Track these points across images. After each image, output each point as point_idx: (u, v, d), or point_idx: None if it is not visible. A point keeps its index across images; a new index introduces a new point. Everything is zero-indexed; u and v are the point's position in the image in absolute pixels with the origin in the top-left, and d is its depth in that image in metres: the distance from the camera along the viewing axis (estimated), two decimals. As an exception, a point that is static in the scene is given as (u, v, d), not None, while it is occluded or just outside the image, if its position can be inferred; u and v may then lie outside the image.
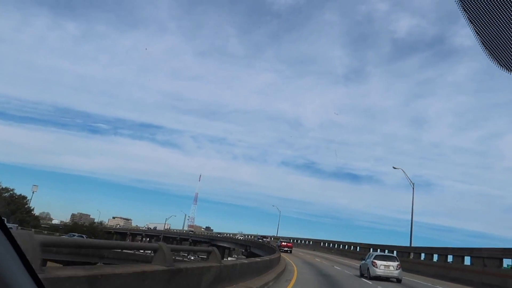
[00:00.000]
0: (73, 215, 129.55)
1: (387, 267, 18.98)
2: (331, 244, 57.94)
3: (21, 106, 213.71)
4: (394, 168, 40.38)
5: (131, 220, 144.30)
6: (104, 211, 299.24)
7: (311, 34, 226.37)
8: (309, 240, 69.74)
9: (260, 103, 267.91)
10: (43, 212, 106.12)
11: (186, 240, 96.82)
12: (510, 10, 1.04)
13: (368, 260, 20.34)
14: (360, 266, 22.27)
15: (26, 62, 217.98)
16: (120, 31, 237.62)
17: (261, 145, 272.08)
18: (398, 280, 19.07)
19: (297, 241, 69.19)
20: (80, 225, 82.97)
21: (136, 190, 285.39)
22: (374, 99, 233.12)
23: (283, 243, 47.02)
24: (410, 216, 33.54)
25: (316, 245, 63.59)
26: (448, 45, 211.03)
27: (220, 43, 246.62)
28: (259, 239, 64.11)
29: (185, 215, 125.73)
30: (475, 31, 1.10)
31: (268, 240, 62.04)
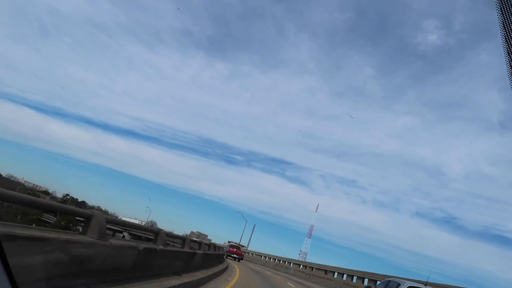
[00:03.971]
0: (192, 233, 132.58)
1: None
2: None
3: (173, 134, 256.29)
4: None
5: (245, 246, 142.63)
6: (224, 235, 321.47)
7: (461, 77, 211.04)
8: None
9: (396, 147, 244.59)
10: (151, 221, 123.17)
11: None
12: None
13: None
14: None
15: (181, 96, 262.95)
16: (262, 71, 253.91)
17: (394, 191, 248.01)
18: None
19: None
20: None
21: (258, 221, 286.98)
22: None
23: (231, 249, 42.67)
24: None
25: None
26: None
27: (358, 84, 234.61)
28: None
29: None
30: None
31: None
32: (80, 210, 5.60)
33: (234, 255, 40.40)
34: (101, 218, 5.19)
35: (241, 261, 42.28)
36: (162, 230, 8.37)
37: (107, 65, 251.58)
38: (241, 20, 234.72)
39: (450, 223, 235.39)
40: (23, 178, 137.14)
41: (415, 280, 16.92)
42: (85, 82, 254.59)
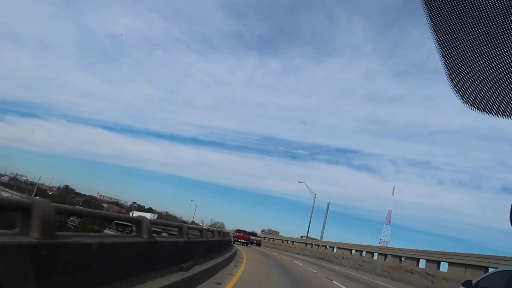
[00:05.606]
0: (263, 230, 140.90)
1: None
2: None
3: (235, 137, 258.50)
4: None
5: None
6: (294, 230, 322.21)
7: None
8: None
9: (470, 120, 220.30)
10: (217, 222, 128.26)
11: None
12: (482, 51, 1.00)
13: None
14: None
15: (239, 99, 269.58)
16: (316, 62, 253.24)
17: (473, 168, 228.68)
18: None
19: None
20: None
21: (330, 213, 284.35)
22: None
23: (238, 234, 40.76)
24: None
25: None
26: None
27: (420, 60, 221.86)
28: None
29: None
30: (445, 63, 1.08)
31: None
32: (130, 216, 7.08)
33: (241, 240, 40.45)
34: (147, 223, 6.66)
35: (256, 247, 41.57)
36: (184, 225, 9.86)
37: (166, 78, 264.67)
38: (289, 13, 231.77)
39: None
40: (97, 193, 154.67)
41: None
42: (148, 98, 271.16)
